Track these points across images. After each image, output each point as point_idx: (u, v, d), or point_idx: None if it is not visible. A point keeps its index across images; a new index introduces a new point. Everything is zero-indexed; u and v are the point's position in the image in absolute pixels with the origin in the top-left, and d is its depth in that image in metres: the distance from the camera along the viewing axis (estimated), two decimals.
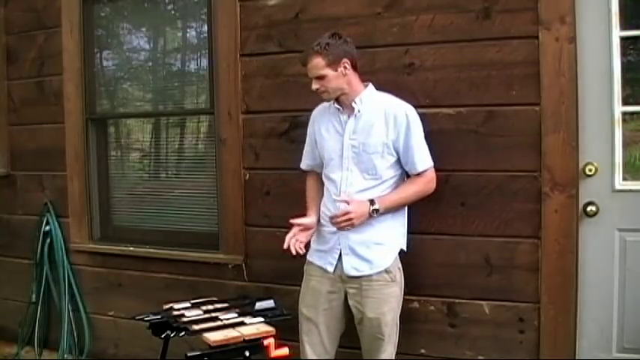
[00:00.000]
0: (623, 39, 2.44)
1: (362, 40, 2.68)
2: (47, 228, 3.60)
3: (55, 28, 3.54)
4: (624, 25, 2.43)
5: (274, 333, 2.44)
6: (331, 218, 2.36)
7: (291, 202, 2.82)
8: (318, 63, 2.32)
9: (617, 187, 2.47)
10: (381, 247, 2.38)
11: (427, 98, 2.62)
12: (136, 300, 3.29)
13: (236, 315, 2.56)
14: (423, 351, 2.73)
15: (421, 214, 2.53)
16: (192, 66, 3.52)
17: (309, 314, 2.47)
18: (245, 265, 3.06)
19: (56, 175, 3.62)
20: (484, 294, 2.60)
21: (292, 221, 2.45)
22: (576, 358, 2.51)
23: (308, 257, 2.52)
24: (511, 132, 2.52)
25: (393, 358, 2.44)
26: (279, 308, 2.66)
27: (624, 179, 2.48)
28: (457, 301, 2.65)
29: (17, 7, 3.72)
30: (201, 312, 2.61)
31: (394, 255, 2.41)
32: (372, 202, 2.32)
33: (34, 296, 3.64)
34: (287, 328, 2.53)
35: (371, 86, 2.44)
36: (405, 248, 2.47)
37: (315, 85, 2.37)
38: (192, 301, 2.74)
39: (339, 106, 2.42)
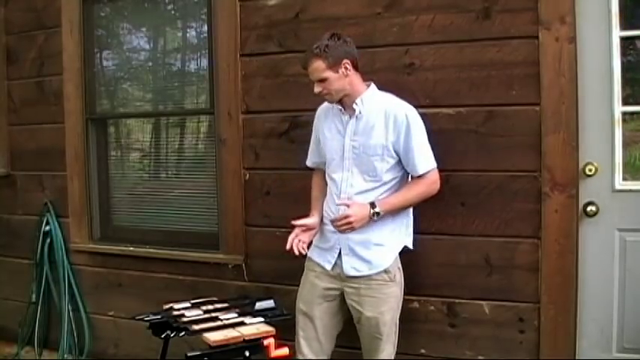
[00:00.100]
0: (623, 39, 2.44)
1: (362, 40, 2.67)
2: (47, 228, 3.60)
3: (55, 28, 3.54)
4: (624, 25, 2.43)
5: (274, 333, 2.44)
6: (332, 221, 2.36)
7: (291, 202, 2.83)
8: (318, 66, 2.31)
9: (617, 187, 2.47)
10: (381, 247, 2.38)
11: (427, 98, 2.62)
12: (136, 300, 3.29)
13: (236, 315, 2.57)
14: (423, 351, 2.73)
15: (421, 214, 2.53)
16: (192, 66, 3.52)
17: (305, 309, 2.48)
18: (245, 265, 3.06)
19: (56, 175, 3.62)
20: (484, 294, 2.60)
21: (294, 222, 2.46)
22: (576, 358, 2.51)
23: (309, 253, 2.52)
24: (511, 132, 2.52)
25: (393, 358, 2.44)
26: (279, 308, 2.66)
27: (624, 179, 2.48)
28: (457, 301, 2.65)
29: (17, 7, 3.72)
30: (201, 312, 2.61)
31: (394, 256, 2.41)
32: (372, 205, 2.31)
33: (34, 296, 3.64)
34: (287, 328, 2.53)
35: (373, 86, 2.43)
36: (410, 246, 2.47)
37: (317, 89, 2.35)
38: (192, 301, 2.75)
39: (341, 107, 2.42)
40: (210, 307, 2.68)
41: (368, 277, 2.37)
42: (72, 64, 3.50)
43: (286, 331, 2.52)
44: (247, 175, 3.05)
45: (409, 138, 2.31)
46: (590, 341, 2.52)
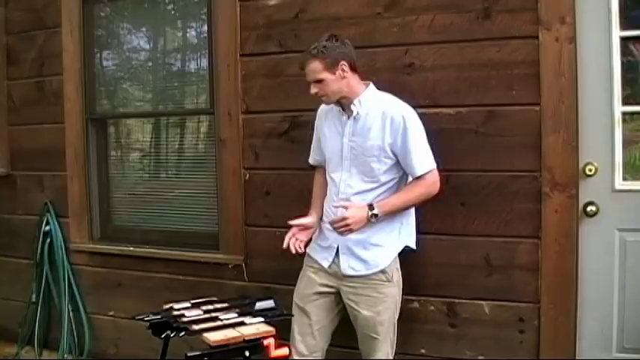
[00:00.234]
0: (623, 39, 2.44)
1: (362, 40, 2.68)
2: (47, 228, 3.60)
3: (55, 28, 3.53)
4: (624, 25, 2.43)
5: (274, 333, 2.44)
6: (330, 223, 2.36)
7: (291, 202, 2.82)
8: (315, 67, 2.30)
9: (617, 187, 2.47)
10: (379, 248, 2.38)
11: (427, 98, 2.62)
12: (136, 300, 3.29)
13: (236, 315, 2.56)
14: (423, 351, 2.73)
15: (421, 214, 2.53)
16: (192, 66, 3.52)
17: (301, 303, 2.50)
18: (245, 265, 3.06)
19: (56, 175, 3.62)
20: (484, 294, 2.60)
21: (290, 222, 2.47)
22: (576, 358, 2.51)
23: (308, 249, 2.54)
24: (511, 132, 2.52)
25: (391, 358, 2.44)
26: (279, 308, 2.65)
27: (624, 179, 2.48)
28: (457, 301, 2.65)
29: (17, 7, 3.72)
30: (201, 312, 2.61)
31: (392, 256, 2.40)
32: (370, 206, 2.30)
33: (34, 296, 3.64)
34: (287, 328, 2.53)
35: (372, 86, 2.42)
36: (413, 246, 2.47)
37: (313, 90, 2.35)
38: (192, 301, 2.74)
39: (340, 107, 2.42)
40: (210, 307, 2.67)
41: (365, 277, 2.37)
42: (72, 64, 3.50)
43: (286, 331, 2.52)
44: (247, 175, 3.05)
45: (406, 139, 2.30)
46: (590, 341, 2.52)
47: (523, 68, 2.48)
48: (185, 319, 2.52)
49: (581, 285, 2.49)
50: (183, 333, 2.47)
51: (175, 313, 2.61)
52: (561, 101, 2.44)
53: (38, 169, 3.70)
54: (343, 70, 2.31)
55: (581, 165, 2.46)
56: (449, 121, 2.60)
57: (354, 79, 2.35)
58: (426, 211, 2.54)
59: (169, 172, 3.70)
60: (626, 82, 2.47)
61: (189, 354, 2.31)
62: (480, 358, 2.63)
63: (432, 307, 2.69)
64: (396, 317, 2.45)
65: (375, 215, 2.29)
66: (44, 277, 3.60)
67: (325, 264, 2.44)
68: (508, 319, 2.57)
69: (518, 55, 2.49)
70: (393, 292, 2.41)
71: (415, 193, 2.35)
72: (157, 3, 3.54)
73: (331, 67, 2.29)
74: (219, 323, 2.47)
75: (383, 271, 2.37)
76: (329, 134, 2.47)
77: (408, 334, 2.67)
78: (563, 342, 2.50)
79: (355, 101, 2.36)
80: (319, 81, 2.31)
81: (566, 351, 2.50)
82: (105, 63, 3.65)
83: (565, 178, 2.45)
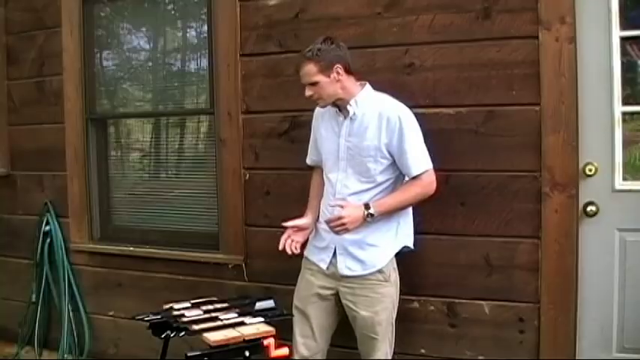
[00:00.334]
0: (623, 39, 2.44)
1: (362, 40, 2.68)
2: (47, 228, 3.60)
3: (55, 28, 3.53)
4: (624, 25, 2.43)
5: (274, 333, 2.44)
6: (326, 222, 2.36)
7: (291, 202, 2.82)
8: (310, 70, 2.30)
9: (617, 187, 2.47)
10: (375, 248, 2.38)
11: (427, 98, 2.62)
12: (136, 300, 3.29)
13: (236, 315, 2.56)
14: (423, 351, 2.73)
15: (421, 214, 2.53)
16: (192, 66, 3.52)
17: (301, 306, 2.50)
18: (245, 265, 3.06)
19: (56, 175, 3.62)
20: (484, 294, 2.60)
21: (285, 224, 2.48)
22: (576, 358, 2.51)
23: (305, 252, 2.54)
24: (511, 132, 2.52)
25: (390, 357, 2.44)
26: (279, 308, 2.65)
27: (624, 179, 2.48)
28: (457, 301, 2.65)
29: (17, 7, 3.72)
30: (201, 312, 2.61)
31: (389, 256, 2.40)
32: (367, 206, 2.30)
33: (34, 296, 3.64)
34: (287, 328, 2.53)
35: (368, 87, 2.42)
36: (411, 246, 2.47)
37: (308, 92, 2.35)
38: (192, 301, 2.74)
39: (337, 108, 2.42)
40: (210, 307, 2.67)
41: (362, 277, 2.37)
42: (72, 64, 3.50)
43: (286, 331, 2.52)
44: (247, 175, 3.05)
45: (402, 140, 2.30)
46: (590, 341, 2.52)
47: (523, 68, 2.48)
48: (185, 319, 2.52)
49: (581, 285, 2.49)
50: (183, 333, 2.47)
51: (175, 313, 2.61)
52: (561, 101, 2.44)
53: (38, 169, 3.70)
54: (338, 73, 2.31)
55: (581, 165, 2.46)
56: (449, 121, 2.60)
57: (349, 81, 2.36)
58: (426, 211, 2.54)
59: (169, 172, 3.70)
60: (626, 82, 2.47)
61: (189, 354, 2.31)
62: (480, 358, 2.63)
63: (432, 307, 2.69)
64: (394, 317, 2.45)
65: (371, 215, 2.30)
66: (44, 277, 3.60)
67: (323, 265, 2.45)
68: (508, 319, 2.57)
69: (518, 55, 2.49)
70: (390, 292, 2.41)
71: (411, 193, 2.35)
72: (157, 3, 3.54)
73: (326, 69, 2.30)
74: (219, 323, 2.47)
75: (380, 271, 2.38)
76: (325, 135, 2.47)
77: (408, 334, 2.67)
78: (563, 342, 2.50)
79: (352, 102, 2.36)
80: (314, 84, 2.32)
81: (566, 351, 2.50)
82: (105, 63, 3.65)
83: (565, 178, 2.45)
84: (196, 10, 3.42)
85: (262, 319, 2.52)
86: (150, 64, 3.61)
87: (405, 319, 2.63)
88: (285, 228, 2.49)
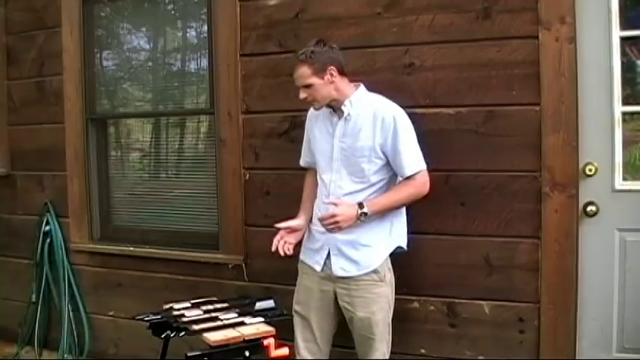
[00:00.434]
0: (623, 39, 2.44)
1: (362, 40, 2.68)
2: (47, 228, 3.60)
3: (55, 28, 3.54)
4: (624, 25, 2.43)
5: (274, 333, 2.44)
6: (319, 219, 2.36)
7: (291, 202, 2.81)
8: (304, 72, 2.32)
9: (617, 187, 2.47)
10: (369, 248, 2.38)
11: (427, 98, 2.62)
12: (136, 300, 3.29)
13: (236, 315, 2.57)
14: (423, 351, 2.73)
15: (421, 214, 2.53)
16: (192, 66, 3.52)
17: (302, 311, 2.50)
18: (245, 265, 3.06)
19: (56, 175, 3.62)
20: (484, 294, 2.60)
21: (277, 225, 2.49)
22: (576, 358, 2.51)
23: (301, 256, 2.54)
24: (511, 132, 2.52)
25: (387, 357, 2.44)
26: (279, 308, 2.66)
27: (624, 179, 2.48)
28: (457, 301, 2.65)
29: (17, 7, 3.72)
30: (201, 312, 2.61)
31: (383, 256, 2.40)
32: (360, 205, 2.31)
33: (34, 296, 3.64)
34: (287, 328, 2.53)
35: (362, 87, 2.43)
36: (405, 247, 2.47)
37: (302, 95, 2.37)
38: (192, 301, 2.75)
39: (331, 108, 2.43)
40: (210, 307, 2.68)
41: (358, 278, 2.37)
42: (72, 64, 3.50)
43: (286, 331, 2.52)
44: (247, 175, 3.05)
45: (397, 140, 2.30)
46: (590, 341, 2.52)
47: (523, 68, 2.48)
48: (185, 319, 2.52)
49: (581, 285, 2.49)
50: (183, 333, 2.47)
51: (175, 313, 2.61)
52: (561, 101, 2.44)
53: (38, 169, 3.70)
54: (332, 75, 2.32)
55: (581, 165, 2.46)
56: (449, 121, 2.60)
57: (342, 82, 2.37)
58: (426, 211, 2.54)
59: (169, 172, 3.70)
60: (626, 82, 2.47)
61: (189, 354, 2.31)
62: (480, 358, 2.63)
63: (432, 307, 2.69)
64: (390, 317, 2.45)
65: (365, 214, 2.30)
66: (44, 277, 3.60)
67: (318, 268, 2.45)
68: (508, 319, 2.57)
69: (518, 55, 2.49)
70: (386, 292, 2.42)
71: (405, 193, 2.35)
72: (157, 3, 3.54)
73: (319, 72, 2.31)
74: (219, 323, 2.48)
75: (375, 272, 2.38)
76: (319, 136, 2.48)
77: (408, 334, 2.67)
78: (563, 342, 2.50)
79: (346, 102, 2.37)
80: (308, 86, 2.34)
81: (566, 351, 2.50)
82: (105, 63, 3.65)
83: (565, 178, 2.45)
84: (196, 10, 3.42)
85: (262, 319, 2.53)
86: (150, 64, 3.61)
87: (405, 319, 2.63)
88: (278, 229, 2.49)
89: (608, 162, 2.46)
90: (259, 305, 2.64)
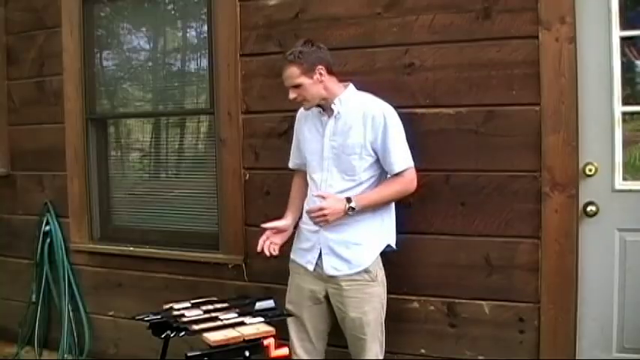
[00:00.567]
0: (623, 39, 2.44)
1: (362, 40, 2.68)
2: (47, 228, 3.60)
3: (55, 28, 3.54)
4: (624, 25, 2.43)
5: (274, 333, 2.44)
6: (307, 212, 2.38)
7: None
8: (292, 72, 2.34)
9: (617, 187, 2.47)
10: (360, 247, 2.39)
11: (427, 98, 2.62)
12: (136, 300, 3.29)
13: (236, 315, 2.56)
14: (423, 351, 2.73)
15: (421, 214, 2.53)
16: (192, 66, 3.52)
17: (295, 310, 2.51)
18: (245, 265, 3.06)
19: (56, 175, 3.62)
20: (484, 294, 2.60)
21: (263, 225, 2.51)
22: (576, 358, 2.51)
23: (291, 255, 2.56)
24: (511, 132, 2.52)
25: (381, 357, 2.45)
26: (279, 308, 2.65)
27: (624, 179, 2.48)
28: (457, 301, 2.65)
29: (17, 7, 3.72)
30: (201, 312, 2.61)
31: (374, 255, 2.41)
32: (348, 199, 2.32)
33: (34, 296, 3.64)
34: (287, 328, 2.53)
35: (351, 86, 2.45)
36: (393, 245, 2.47)
37: (292, 95, 2.39)
38: (192, 301, 2.74)
39: (320, 108, 2.44)
40: (210, 307, 2.67)
41: (349, 278, 2.38)
42: (72, 64, 3.50)
43: (286, 331, 2.52)
44: (247, 175, 3.05)
45: (386, 137, 2.33)
46: (590, 341, 2.52)
47: (523, 68, 2.48)
48: (185, 319, 2.52)
49: (581, 285, 2.49)
50: (183, 333, 2.46)
51: (175, 313, 2.61)
52: (561, 101, 2.44)
53: (38, 169, 3.70)
54: (320, 74, 2.35)
55: (581, 165, 2.46)
56: (449, 121, 2.60)
57: (331, 81, 2.39)
58: (426, 211, 2.54)
59: (169, 172, 3.70)
60: (626, 82, 2.47)
61: (189, 354, 2.31)
62: (480, 358, 2.63)
63: (432, 307, 2.69)
64: (383, 317, 2.45)
65: (352, 208, 2.31)
66: (44, 277, 3.60)
67: (310, 267, 2.46)
68: (508, 319, 2.57)
69: (518, 55, 2.49)
70: (378, 292, 2.42)
71: (393, 189, 2.38)
72: (157, 3, 3.54)
73: (308, 71, 2.33)
74: (219, 323, 2.47)
75: (366, 271, 2.39)
76: (309, 136, 2.50)
77: (408, 334, 2.67)
78: (563, 342, 2.50)
79: (335, 100, 2.39)
80: (297, 86, 2.36)
81: (566, 351, 2.50)
82: (105, 63, 3.65)
83: (565, 178, 2.45)
84: (196, 10, 3.42)
85: (262, 319, 2.52)
86: (150, 64, 3.61)
87: (405, 319, 2.63)
88: (264, 230, 2.51)
89: (608, 162, 2.46)
90: (259, 305, 2.63)
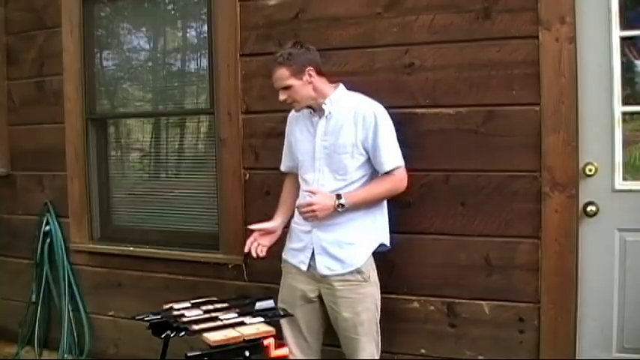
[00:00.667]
0: (623, 39, 2.44)
1: (362, 40, 2.68)
2: (47, 228, 3.60)
3: (55, 28, 3.54)
4: (624, 25, 2.43)
5: (274, 333, 2.44)
6: (297, 207, 2.39)
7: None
8: (282, 74, 2.35)
9: (617, 187, 2.47)
10: (353, 246, 2.39)
11: (427, 98, 2.62)
12: (136, 300, 3.29)
13: (236, 315, 2.56)
14: (423, 351, 2.73)
15: (421, 214, 2.53)
16: (192, 66, 3.52)
17: (288, 310, 2.50)
18: (245, 265, 3.06)
19: (56, 175, 3.62)
20: (484, 294, 2.60)
21: (250, 227, 2.51)
22: (576, 358, 2.51)
23: (283, 255, 2.57)
24: (511, 132, 2.52)
25: (377, 357, 2.45)
26: (279, 308, 2.65)
27: (624, 179, 2.48)
28: (457, 301, 2.65)
29: (17, 7, 3.72)
30: (201, 312, 2.61)
31: (367, 254, 2.41)
32: (338, 196, 2.33)
33: (34, 296, 3.64)
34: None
35: (341, 87, 2.46)
36: (387, 243, 2.47)
37: (282, 96, 2.40)
38: (192, 301, 2.74)
39: (311, 109, 2.45)
40: (210, 307, 2.67)
41: (342, 278, 2.38)
42: (72, 64, 3.50)
43: None
44: (247, 175, 3.05)
45: (377, 136, 2.34)
46: (590, 341, 2.52)
47: (523, 68, 2.48)
48: (185, 319, 2.52)
49: (581, 285, 2.49)
50: (183, 333, 2.46)
51: (175, 313, 2.61)
52: (561, 101, 2.44)
53: (38, 169, 3.70)
54: (310, 75, 2.36)
55: (581, 165, 2.46)
56: (449, 121, 2.60)
57: (321, 82, 2.40)
58: (426, 211, 2.54)
59: (169, 172, 3.70)
60: (626, 82, 2.47)
61: (189, 354, 2.31)
62: (480, 358, 2.63)
63: (432, 307, 2.69)
64: (378, 317, 2.45)
65: (342, 205, 2.32)
66: (44, 277, 3.60)
67: (303, 267, 2.46)
68: (508, 319, 2.57)
69: (518, 55, 2.49)
70: (371, 292, 2.42)
71: (383, 187, 2.39)
72: (157, 3, 3.54)
73: (298, 73, 2.35)
74: (219, 323, 2.47)
75: (359, 271, 2.39)
76: (301, 137, 2.50)
77: (408, 334, 2.67)
78: (563, 342, 2.50)
79: (327, 101, 2.40)
80: (287, 87, 2.37)
81: (566, 351, 2.50)
82: (105, 63, 3.65)
83: (565, 178, 2.45)
84: (196, 10, 3.42)
85: (262, 319, 2.52)
86: (150, 64, 3.61)
87: (405, 319, 2.63)
88: (252, 231, 2.52)
89: (608, 162, 2.46)
90: (259, 305, 2.63)
